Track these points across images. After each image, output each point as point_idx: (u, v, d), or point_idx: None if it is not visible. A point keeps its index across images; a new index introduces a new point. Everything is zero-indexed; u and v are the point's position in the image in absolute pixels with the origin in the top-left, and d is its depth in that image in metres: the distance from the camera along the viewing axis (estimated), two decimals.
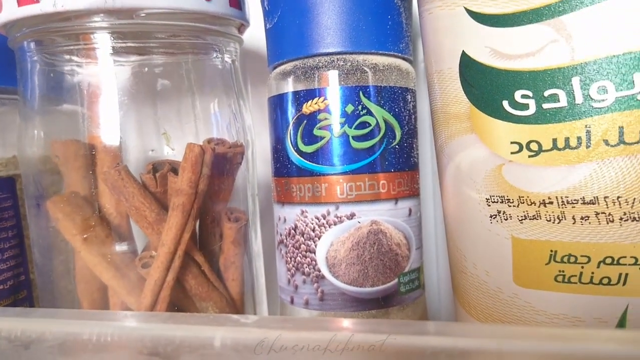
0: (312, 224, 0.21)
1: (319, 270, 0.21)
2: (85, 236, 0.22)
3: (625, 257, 0.16)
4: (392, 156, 0.21)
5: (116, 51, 0.21)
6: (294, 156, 0.21)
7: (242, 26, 0.24)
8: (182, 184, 0.21)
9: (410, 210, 0.21)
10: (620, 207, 0.15)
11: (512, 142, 0.16)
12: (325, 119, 0.20)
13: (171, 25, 0.21)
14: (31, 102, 0.22)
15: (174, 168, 0.22)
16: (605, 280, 0.16)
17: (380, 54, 0.21)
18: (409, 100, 0.21)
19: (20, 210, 0.25)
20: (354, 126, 0.20)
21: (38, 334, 0.14)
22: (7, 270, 0.24)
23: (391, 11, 0.21)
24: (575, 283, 0.16)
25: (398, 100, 0.21)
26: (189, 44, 0.23)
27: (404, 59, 0.22)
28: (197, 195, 0.21)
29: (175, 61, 0.23)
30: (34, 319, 0.15)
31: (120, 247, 0.23)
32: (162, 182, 0.22)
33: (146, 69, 0.22)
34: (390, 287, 0.21)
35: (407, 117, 0.21)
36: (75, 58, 0.22)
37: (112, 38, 0.21)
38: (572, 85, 0.15)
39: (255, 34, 0.26)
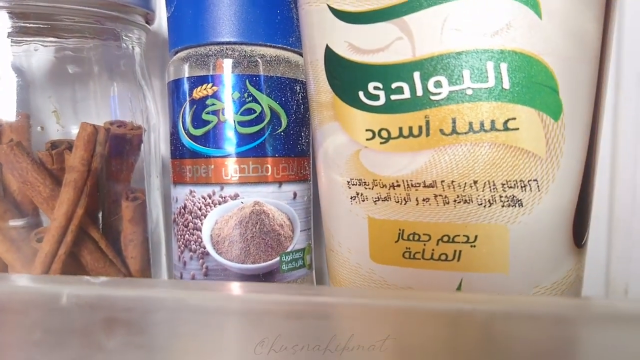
0: (199, 203, 0.22)
1: (204, 247, 0.22)
2: None
3: (459, 235, 0.17)
4: (278, 142, 0.22)
5: (16, 31, 0.22)
6: (185, 139, 0.22)
7: (148, 14, 0.25)
8: (74, 161, 0.22)
9: (295, 194, 0.23)
10: (454, 191, 0.17)
11: (366, 130, 0.18)
12: (213, 104, 0.21)
13: (74, 9, 0.22)
14: None
15: (71, 146, 0.23)
16: (443, 257, 0.18)
17: (269, 46, 0.22)
18: (297, 90, 0.23)
19: None
20: (239, 112, 0.21)
21: None
22: None
23: (281, 6, 0.22)
24: (419, 259, 0.18)
25: (285, 90, 0.22)
26: (92, 29, 0.23)
27: (293, 51, 0.23)
28: (89, 173, 0.22)
29: (78, 45, 0.23)
30: None
31: (16, 222, 0.23)
32: (59, 159, 0.23)
33: (47, 51, 0.23)
34: (272, 264, 0.22)
35: (294, 106, 0.23)
36: None
37: (12, 17, 0.22)
38: (413, 79, 0.17)
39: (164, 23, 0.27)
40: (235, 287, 0.17)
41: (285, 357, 0.12)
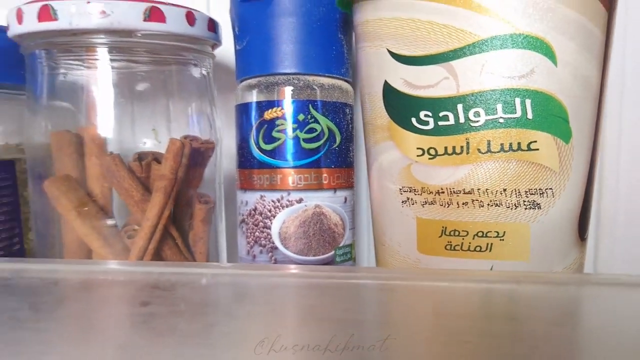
0: (269, 206, 0.26)
1: (273, 243, 0.26)
2: (79, 211, 0.27)
3: (490, 231, 0.22)
4: (333, 156, 0.27)
5: (112, 60, 0.26)
6: (256, 152, 0.27)
7: (215, 45, 0.29)
8: (165, 171, 0.26)
9: (345, 199, 0.28)
10: (488, 197, 0.22)
11: (417, 148, 0.23)
12: (282, 124, 0.26)
13: (160, 44, 0.26)
14: (38, 99, 0.26)
15: (156, 157, 0.27)
16: (477, 248, 0.23)
17: (326, 76, 0.27)
18: (347, 113, 0.28)
19: (18, 188, 0.29)
20: (303, 131, 0.26)
21: (63, 274, 0.19)
22: (2, 240, 0.29)
23: (335, 44, 0.27)
24: (458, 250, 0.23)
25: (339, 112, 0.27)
26: (173, 58, 0.28)
27: (344, 80, 0.28)
28: (176, 181, 0.26)
29: (160, 70, 0.28)
30: (60, 265, 0.20)
31: (108, 222, 0.27)
32: (147, 169, 0.27)
33: (136, 76, 0.27)
34: (329, 257, 0.27)
35: (345, 125, 0.27)
36: (77, 64, 0.26)
37: (111, 51, 0.26)
38: (457, 109, 0.22)
39: (223, 51, 0.32)
40: (329, 270, 0.21)
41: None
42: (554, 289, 0.18)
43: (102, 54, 0.26)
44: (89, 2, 0.23)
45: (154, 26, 0.24)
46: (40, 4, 0.23)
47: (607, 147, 0.31)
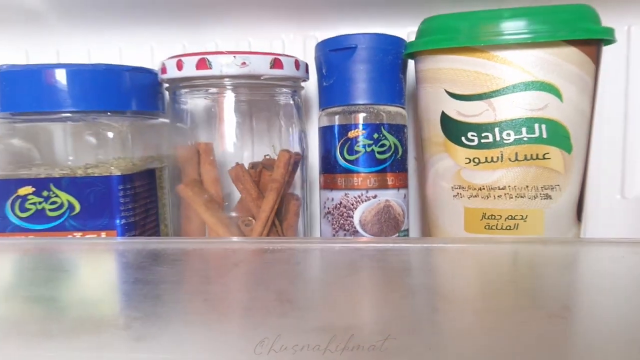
0: (352, 200, 0.36)
1: (355, 228, 0.36)
2: (207, 206, 0.36)
3: (517, 215, 0.32)
4: (397, 164, 0.37)
5: (238, 94, 0.36)
6: (341, 161, 0.36)
7: (304, 80, 0.39)
8: (277, 176, 0.36)
9: (405, 195, 0.37)
10: (515, 191, 0.32)
11: (465, 158, 0.33)
12: (361, 140, 0.36)
13: (273, 83, 0.36)
14: (177, 122, 0.36)
15: (264, 166, 0.37)
16: (507, 227, 0.32)
17: (391, 105, 0.37)
18: (405, 132, 0.37)
19: (157, 191, 0.38)
20: (377, 145, 0.36)
21: (200, 246, 0.29)
22: (150, 227, 0.38)
23: (398, 82, 0.37)
24: (494, 229, 0.33)
25: (400, 132, 0.37)
26: (281, 92, 0.37)
27: (402, 108, 0.38)
28: (284, 184, 0.36)
29: (269, 99, 0.37)
30: (199, 241, 0.29)
31: (231, 214, 0.37)
32: (258, 175, 0.37)
33: (253, 105, 0.37)
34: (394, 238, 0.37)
35: (404, 141, 0.37)
36: (209, 97, 0.36)
37: (238, 88, 0.35)
38: (494, 131, 0.32)
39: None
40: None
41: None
42: (564, 247, 0.28)
43: (230, 90, 0.35)
44: (234, 57, 0.32)
45: (276, 72, 0.34)
46: (198, 57, 0.33)
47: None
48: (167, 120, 0.38)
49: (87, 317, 0.19)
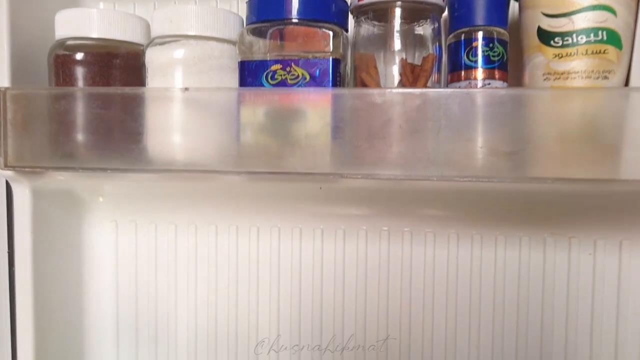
0: (473, 86, 0.55)
1: None
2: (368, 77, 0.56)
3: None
4: (503, 64, 0.56)
5: (400, 18, 0.55)
6: (466, 61, 0.56)
7: (442, 11, 0.58)
8: (426, 67, 0.55)
9: (507, 84, 0.57)
10: (586, 74, 0.51)
11: (553, 54, 0.52)
12: (481, 48, 0.55)
13: (427, 7, 0.55)
14: (359, 38, 0.56)
15: (413, 66, 0.56)
16: None
17: (499, 27, 0.56)
18: (507, 45, 0.57)
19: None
20: (492, 52, 0.55)
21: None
22: None
23: (504, 10, 0.56)
24: None
25: (504, 44, 0.56)
26: (430, 15, 0.57)
27: (505, 30, 0.57)
28: (431, 73, 0.55)
29: (424, 22, 0.57)
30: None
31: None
32: (411, 68, 0.56)
33: (406, 27, 0.56)
34: None
35: (507, 50, 0.56)
36: (380, 22, 0.55)
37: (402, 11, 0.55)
38: (573, 36, 0.51)
39: None
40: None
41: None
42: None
43: (396, 12, 0.55)
44: None
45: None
46: None
47: None
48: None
49: None
